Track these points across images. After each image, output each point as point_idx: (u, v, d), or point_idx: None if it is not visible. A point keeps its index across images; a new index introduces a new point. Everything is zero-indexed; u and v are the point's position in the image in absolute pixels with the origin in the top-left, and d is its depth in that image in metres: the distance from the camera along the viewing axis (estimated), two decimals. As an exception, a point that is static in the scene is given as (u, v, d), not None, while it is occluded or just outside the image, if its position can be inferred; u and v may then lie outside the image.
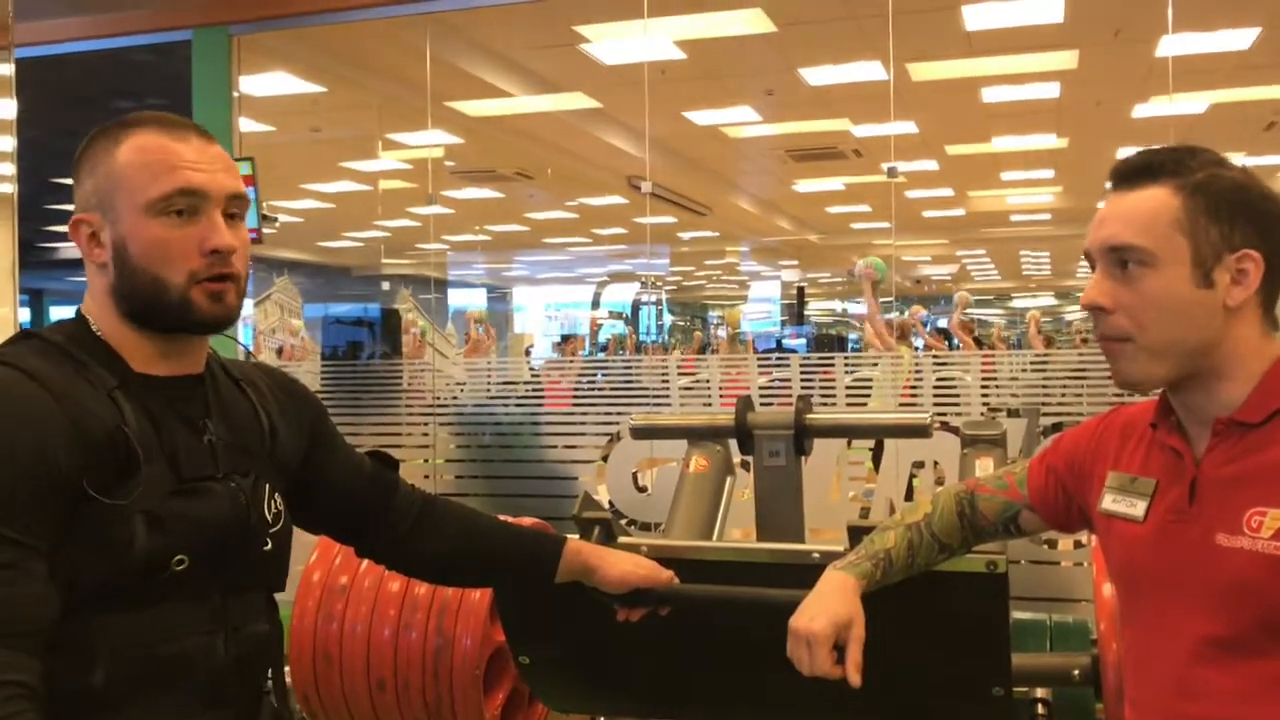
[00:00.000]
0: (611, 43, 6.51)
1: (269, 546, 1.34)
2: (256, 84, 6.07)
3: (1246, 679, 1.19)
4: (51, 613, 1.13)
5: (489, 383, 5.78)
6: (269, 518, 1.34)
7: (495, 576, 1.77)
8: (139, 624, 1.20)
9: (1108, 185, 1.29)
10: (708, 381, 5.46)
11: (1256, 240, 1.23)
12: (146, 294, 1.25)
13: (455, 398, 5.18)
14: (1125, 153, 1.33)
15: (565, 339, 15.53)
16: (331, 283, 15.20)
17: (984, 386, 4.74)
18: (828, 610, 1.38)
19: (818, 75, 7.33)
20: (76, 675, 1.16)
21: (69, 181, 1.32)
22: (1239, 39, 6.43)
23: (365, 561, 2.50)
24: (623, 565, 1.62)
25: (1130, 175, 1.27)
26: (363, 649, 2.42)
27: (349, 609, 2.44)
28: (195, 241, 1.26)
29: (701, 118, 8.61)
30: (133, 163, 1.26)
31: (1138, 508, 1.31)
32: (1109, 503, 1.36)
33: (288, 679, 2.40)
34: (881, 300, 6.19)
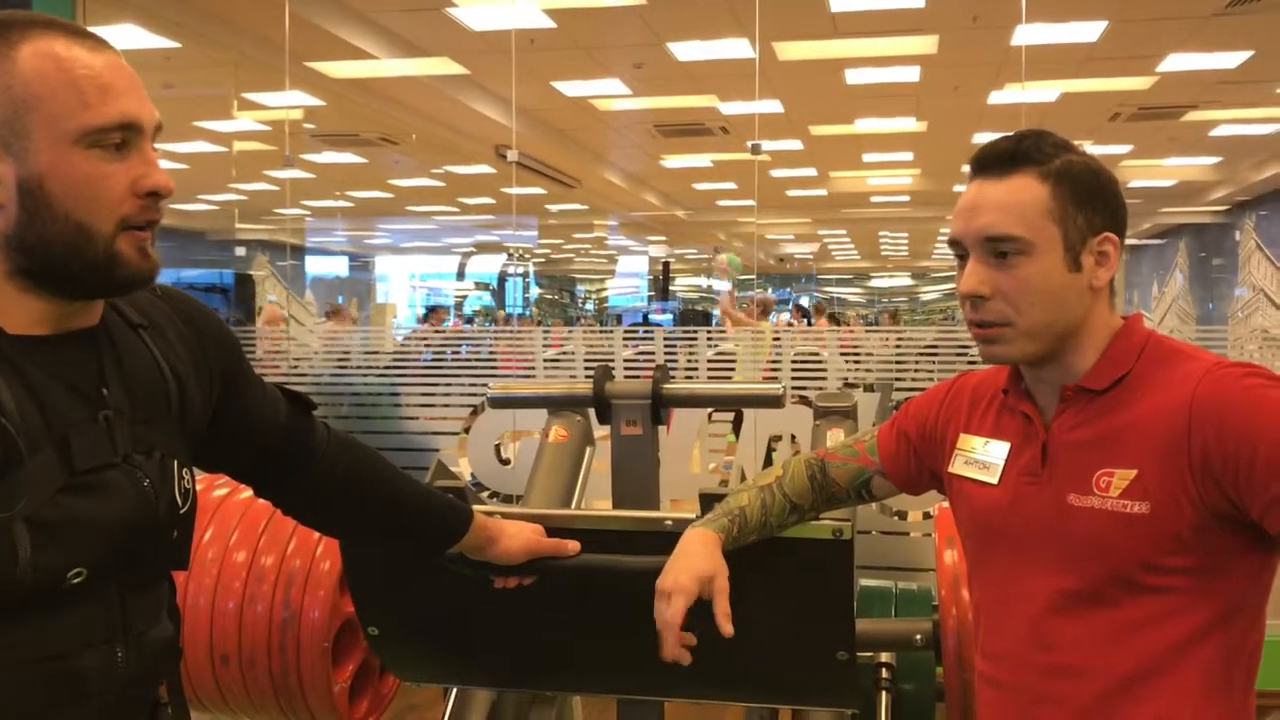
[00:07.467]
0: (480, 8, 6.41)
1: (177, 534, 1.13)
2: (104, 36, 5.76)
3: (1098, 628, 1.26)
4: None
5: (351, 351, 5.66)
6: (178, 499, 1.12)
7: (402, 541, 1.58)
8: (20, 640, 0.98)
9: (966, 169, 1.32)
10: (573, 354, 5.45)
11: (1112, 223, 1.29)
12: (63, 248, 1.00)
13: (313, 366, 5.06)
14: (982, 138, 1.37)
15: (430, 310, 15.30)
16: (184, 247, 14.67)
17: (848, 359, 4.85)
18: (691, 567, 1.40)
19: (686, 50, 7.36)
20: None
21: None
22: (1087, 31, 6.71)
23: (209, 531, 2.41)
24: (523, 535, 1.58)
25: (994, 163, 1.29)
26: (205, 622, 2.34)
27: (191, 581, 2.35)
28: (128, 180, 1.02)
29: (570, 89, 8.57)
30: (50, 78, 1.00)
31: (991, 470, 1.36)
32: (960, 465, 1.41)
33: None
34: (744, 278, 6.28)
